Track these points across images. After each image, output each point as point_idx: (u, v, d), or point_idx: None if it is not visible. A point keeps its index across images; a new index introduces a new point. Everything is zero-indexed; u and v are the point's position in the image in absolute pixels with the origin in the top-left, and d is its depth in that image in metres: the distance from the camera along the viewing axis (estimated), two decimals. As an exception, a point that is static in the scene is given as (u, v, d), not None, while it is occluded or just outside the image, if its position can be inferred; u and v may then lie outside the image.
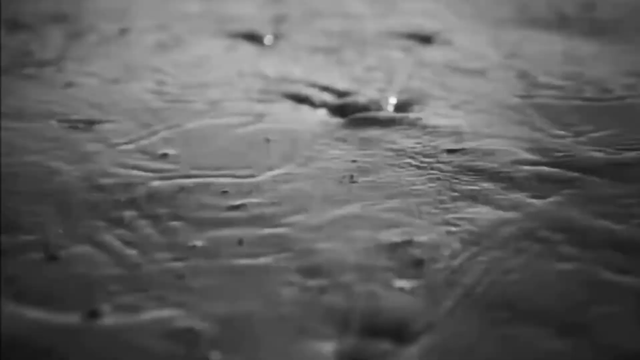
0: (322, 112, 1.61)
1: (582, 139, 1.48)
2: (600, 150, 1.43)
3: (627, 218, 1.24)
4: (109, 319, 1.05)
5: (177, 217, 1.26)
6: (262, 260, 1.16)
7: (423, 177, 1.36)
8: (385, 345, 1.01)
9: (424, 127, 1.53)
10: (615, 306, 1.06)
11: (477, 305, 1.06)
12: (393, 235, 1.21)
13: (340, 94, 1.68)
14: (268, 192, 1.33)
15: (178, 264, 1.15)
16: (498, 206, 1.27)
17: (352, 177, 1.37)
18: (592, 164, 1.39)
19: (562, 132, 1.51)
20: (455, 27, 2.03)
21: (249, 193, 1.33)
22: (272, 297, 1.09)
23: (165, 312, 1.06)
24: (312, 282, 1.11)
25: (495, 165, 1.39)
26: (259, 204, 1.29)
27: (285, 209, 1.28)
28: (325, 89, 1.70)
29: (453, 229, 1.22)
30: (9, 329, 1.03)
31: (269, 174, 1.39)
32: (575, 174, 1.36)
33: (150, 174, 1.38)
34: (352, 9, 2.20)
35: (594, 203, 1.28)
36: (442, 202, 1.29)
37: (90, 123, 1.56)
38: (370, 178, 1.37)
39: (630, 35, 1.99)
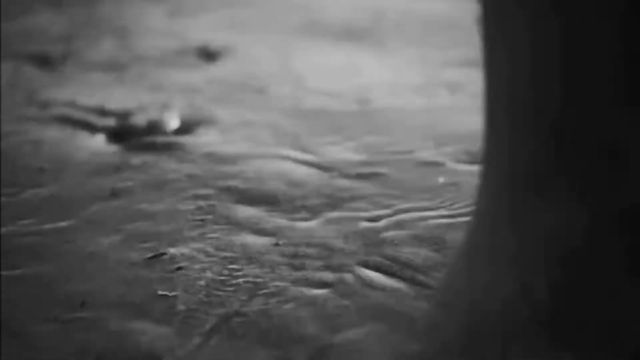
0: (100, 138, 1.61)
1: (350, 144, 1.54)
2: (367, 160, 1.49)
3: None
4: None
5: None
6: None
7: (189, 203, 1.39)
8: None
9: (201, 150, 1.56)
10: (365, 327, 1.11)
11: (231, 335, 1.09)
12: (150, 262, 1.23)
13: (121, 116, 1.68)
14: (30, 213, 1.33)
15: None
16: (261, 231, 1.31)
17: (114, 194, 1.39)
18: (358, 174, 1.45)
19: (334, 139, 1.56)
20: (242, 41, 2.06)
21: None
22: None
23: None
24: (69, 315, 1.12)
25: (265, 188, 1.43)
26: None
27: (44, 227, 1.29)
28: (106, 112, 1.70)
29: (213, 253, 1.25)
30: None
31: (32, 191, 1.39)
32: (346, 184, 1.41)
33: None
34: (147, 21, 2.20)
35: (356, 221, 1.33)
36: (205, 227, 1.32)
37: None
38: (135, 201, 1.39)
39: (410, 44, 2.06)
